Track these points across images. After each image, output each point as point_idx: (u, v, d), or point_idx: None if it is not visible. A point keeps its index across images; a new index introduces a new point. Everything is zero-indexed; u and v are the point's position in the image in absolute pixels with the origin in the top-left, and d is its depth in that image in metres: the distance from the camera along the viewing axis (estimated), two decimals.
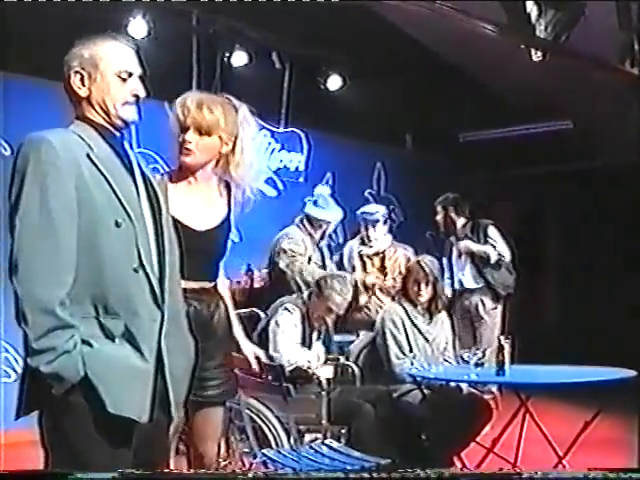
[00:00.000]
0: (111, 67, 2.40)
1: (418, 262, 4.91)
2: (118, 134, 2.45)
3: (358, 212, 6.15)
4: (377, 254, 5.96)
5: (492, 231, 6.31)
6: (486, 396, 5.68)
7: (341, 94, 7.52)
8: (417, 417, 4.44)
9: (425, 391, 4.53)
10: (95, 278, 2.28)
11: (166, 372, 2.36)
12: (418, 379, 4.46)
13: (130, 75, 2.43)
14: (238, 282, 6.32)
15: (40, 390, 2.23)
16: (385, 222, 6.02)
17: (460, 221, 6.33)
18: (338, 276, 4.86)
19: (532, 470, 2.21)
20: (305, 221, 5.73)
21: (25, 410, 2.29)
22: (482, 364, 4.45)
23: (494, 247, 6.25)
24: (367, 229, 5.98)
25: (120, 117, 2.42)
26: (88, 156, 2.32)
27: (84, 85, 2.40)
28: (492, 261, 6.22)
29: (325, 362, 4.69)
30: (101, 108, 2.40)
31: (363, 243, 6.05)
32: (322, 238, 5.74)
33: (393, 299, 5.33)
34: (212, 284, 3.03)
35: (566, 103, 7.27)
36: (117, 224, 2.30)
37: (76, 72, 2.40)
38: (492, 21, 5.17)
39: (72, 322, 2.22)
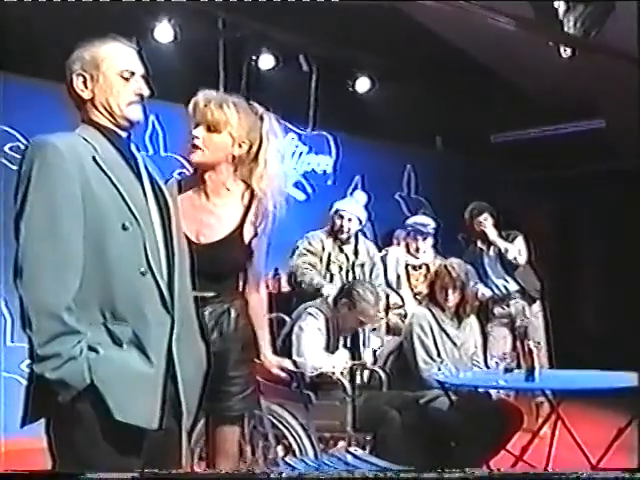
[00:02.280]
0: (113, 67, 2.37)
1: (445, 266, 4.82)
2: (125, 135, 2.41)
3: (409, 221, 6.17)
4: (421, 266, 5.94)
5: (519, 240, 6.20)
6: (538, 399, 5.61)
7: (370, 96, 7.44)
8: (445, 424, 4.34)
9: (453, 397, 4.44)
10: (102, 282, 2.24)
11: (178, 377, 2.31)
12: (446, 385, 4.37)
13: (133, 74, 2.39)
14: (266, 286, 6.25)
15: (46, 397, 2.18)
16: (434, 236, 6.03)
17: (490, 230, 6.21)
18: (370, 286, 4.74)
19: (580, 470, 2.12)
20: (331, 219, 5.63)
21: (32, 417, 2.25)
22: (511, 369, 4.35)
23: (509, 250, 6.13)
24: (416, 240, 5.98)
25: (125, 117, 2.37)
26: (94, 159, 2.28)
27: (87, 87, 2.37)
28: (509, 257, 6.10)
29: (351, 368, 4.61)
30: (105, 109, 2.37)
31: (409, 253, 6.01)
32: (348, 240, 5.62)
33: (420, 303, 5.25)
34: (218, 293, 2.89)
35: (597, 101, 7.12)
36: (124, 227, 2.26)
37: (78, 75, 2.37)
38: (519, 17, 5.07)
39: (78, 328, 2.17)
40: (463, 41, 7.31)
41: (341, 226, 5.55)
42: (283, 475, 2.64)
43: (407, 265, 6.03)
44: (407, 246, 6.11)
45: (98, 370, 2.17)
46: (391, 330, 5.62)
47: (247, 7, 6.22)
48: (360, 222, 5.67)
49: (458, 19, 6.54)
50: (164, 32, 6.24)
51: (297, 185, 7.38)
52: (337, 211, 5.62)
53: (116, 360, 2.21)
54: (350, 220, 5.57)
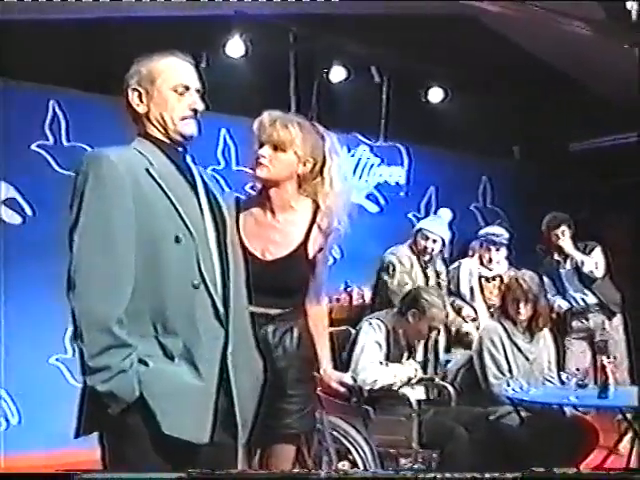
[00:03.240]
0: (167, 82, 2.38)
1: (516, 279, 4.69)
2: (180, 149, 2.41)
3: (481, 232, 6.12)
4: (494, 278, 5.83)
5: (597, 252, 6.00)
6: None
7: (443, 106, 7.32)
8: (515, 441, 4.20)
9: (525, 413, 4.30)
10: (154, 295, 2.23)
11: (233, 391, 2.28)
12: (515, 401, 4.23)
13: (187, 89, 2.39)
14: (337, 299, 6.23)
15: (99, 409, 2.19)
16: (507, 247, 5.94)
17: (567, 242, 6.03)
18: (435, 291, 4.68)
19: None
20: (415, 238, 5.59)
21: (85, 430, 2.25)
22: (585, 385, 4.20)
23: (585, 263, 5.94)
24: (489, 250, 5.90)
25: (179, 132, 2.38)
26: (147, 171, 2.29)
27: (142, 102, 2.39)
28: (585, 270, 5.91)
29: (419, 382, 4.51)
30: (159, 123, 2.38)
31: (482, 264, 5.91)
32: (430, 260, 5.55)
33: (492, 317, 5.13)
34: (283, 310, 2.94)
35: None
36: (177, 239, 2.25)
37: (134, 89, 2.39)
38: (594, 21, 4.92)
39: (129, 341, 2.18)
40: (538, 48, 7.14)
41: (425, 247, 5.52)
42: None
43: (480, 277, 5.93)
44: (480, 257, 6.01)
45: (148, 383, 2.17)
46: (464, 343, 5.52)
47: (318, 20, 6.22)
48: (443, 243, 5.62)
49: (532, 25, 6.40)
50: (235, 47, 6.28)
51: (369, 197, 7.32)
52: (421, 230, 5.56)
53: (166, 374, 2.21)
54: (435, 241, 5.56)
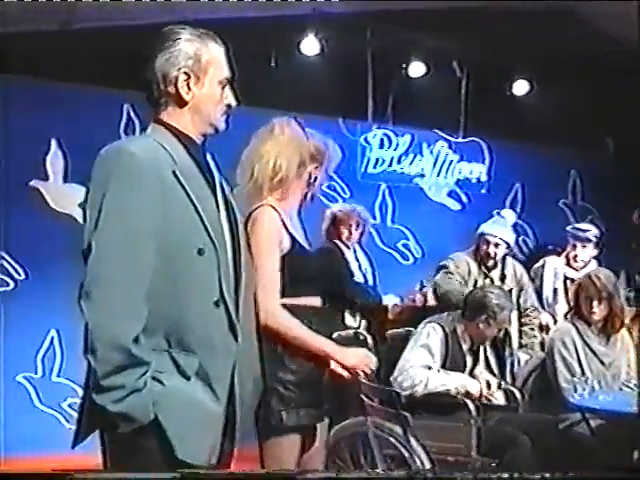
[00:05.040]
0: (217, 74, 2.20)
1: (589, 276, 4.40)
2: (199, 142, 2.22)
3: (568, 228, 5.81)
4: None
5: None
6: None
7: (528, 99, 7.03)
8: (588, 452, 3.92)
9: (598, 421, 4.01)
10: (171, 309, 2.07)
11: (236, 402, 2.16)
12: (582, 408, 3.96)
13: (229, 82, 2.23)
14: (413, 300, 6.06)
15: (107, 426, 2.07)
16: (596, 245, 5.61)
17: None
18: (502, 292, 4.46)
19: None
20: (478, 243, 5.36)
21: (84, 435, 2.12)
22: None
23: None
24: (575, 247, 5.59)
25: (215, 126, 2.22)
26: (174, 173, 2.09)
27: (190, 89, 2.17)
28: None
29: (488, 387, 4.29)
30: (199, 116, 2.19)
31: (568, 264, 5.62)
32: (495, 265, 5.31)
33: (565, 317, 4.85)
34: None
35: None
36: (200, 252, 2.08)
37: (184, 73, 2.15)
38: None
39: (144, 358, 2.01)
40: (633, 36, 6.77)
41: (487, 252, 5.25)
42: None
43: (566, 278, 5.62)
44: (567, 256, 5.70)
45: (163, 405, 2.03)
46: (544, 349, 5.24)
47: (396, 15, 6.07)
48: (508, 246, 5.35)
49: (626, 13, 6.06)
50: (311, 45, 6.20)
51: (451, 195, 7.12)
52: (483, 235, 5.30)
53: (182, 395, 2.06)
54: (497, 245, 5.28)
